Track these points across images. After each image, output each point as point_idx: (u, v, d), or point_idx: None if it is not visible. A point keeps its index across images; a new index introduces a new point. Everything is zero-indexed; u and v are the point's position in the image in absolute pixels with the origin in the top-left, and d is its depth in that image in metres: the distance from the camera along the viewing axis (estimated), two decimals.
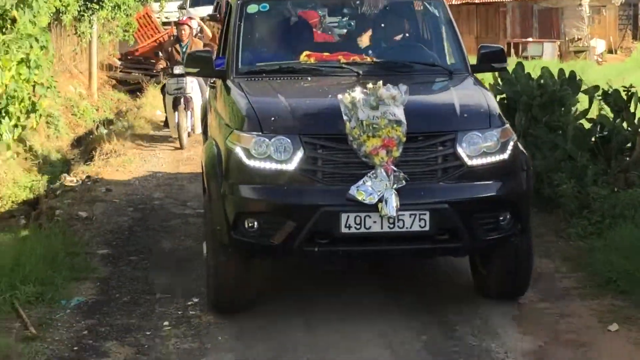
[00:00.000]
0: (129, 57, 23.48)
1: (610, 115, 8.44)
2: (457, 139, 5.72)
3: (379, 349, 5.62)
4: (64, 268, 6.93)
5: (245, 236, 5.67)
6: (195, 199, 9.27)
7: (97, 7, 16.78)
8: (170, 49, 13.25)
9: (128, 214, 8.97)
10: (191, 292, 6.63)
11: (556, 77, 9.22)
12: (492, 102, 6.12)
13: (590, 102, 9.00)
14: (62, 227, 7.98)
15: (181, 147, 12.54)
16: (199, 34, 14.64)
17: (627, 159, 8.18)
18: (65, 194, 9.79)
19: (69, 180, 10.54)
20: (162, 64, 13.42)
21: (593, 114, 8.79)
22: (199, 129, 12.26)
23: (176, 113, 12.60)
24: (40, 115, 7.43)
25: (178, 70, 12.19)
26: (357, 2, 7.29)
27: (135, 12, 21.93)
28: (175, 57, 12.93)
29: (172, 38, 13.94)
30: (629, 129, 8.27)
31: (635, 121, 8.27)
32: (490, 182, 5.78)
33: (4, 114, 6.39)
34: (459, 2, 34.43)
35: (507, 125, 6.01)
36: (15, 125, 6.71)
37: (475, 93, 6.30)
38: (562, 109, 9.03)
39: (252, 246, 5.73)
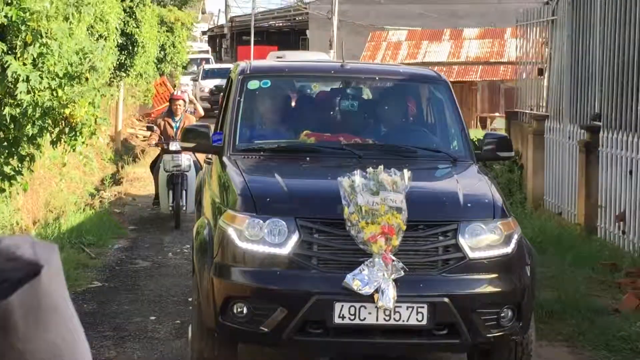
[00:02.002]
0: (147, 116, 28.19)
1: None
2: (460, 229, 5.45)
3: None
4: (110, 231, 11.31)
5: (233, 321, 5.42)
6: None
7: (124, 74, 21.12)
8: (163, 123, 12.68)
9: (146, 211, 13.36)
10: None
11: None
12: (496, 193, 5.84)
13: None
14: (107, 212, 12.43)
15: (177, 227, 11.87)
16: (190, 110, 14.59)
17: None
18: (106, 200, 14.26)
19: (106, 194, 14.98)
20: (154, 139, 12.86)
21: None
22: (192, 207, 11.27)
23: (171, 192, 12.03)
24: (97, 136, 11.85)
25: (174, 146, 11.70)
26: (360, 82, 7.30)
27: (153, 80, 26.50)
28: (168, 132, 12.43)
29: (164, 112, 13.58)
30: None
31: None
32: (492, 276, 5.50)
33: (78, 134, 10.81)
34: None
35: (512, 217, 5.77)
36: (84, 142, 11.14)
37: (480, 182, 6.09)
38: None
39: (240, 332, 5.49)
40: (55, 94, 10.45)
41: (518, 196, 12.80)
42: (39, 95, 10.43)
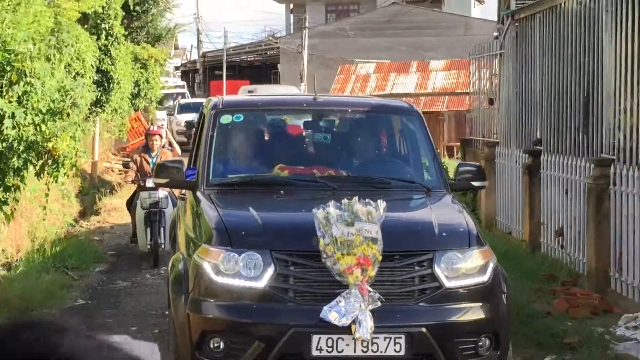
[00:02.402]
0: (122, 151, 28.98)
1: None
2: (435, 259, 5.47)
3: None
4: (91, 256, 12.12)
5: (210, 356, 5.42)
6: None
7: (100, 110, 21.89)
8: (139, 159, 12.32)
9: (124, 239, 14.17)
10: None
11: None
12: (471, 222, 5.88)
13: None
14: (87, 239, 13.24)
15: (155, 265, 11.50)
16: (168, 147, 14.12)
17: None
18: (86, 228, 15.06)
19: (85, 224, 15.77)
20: (130, 176, 12.48)
21: None
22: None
23: (148, 229, 11.71)
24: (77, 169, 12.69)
25: (151, 183, 10.95)
26: (333, 115, 7.27)
27: (128, 115, 27.30)
28: (145, 168, 12.06)
29: (140, 148, 13.22)
30: None
31: None
32: (469, 305, 5.51)
33: (60, 166, 11.65)
34: None
35: (487, 246, 5.79)
36: (65, 173, 11.98)
37: (454, 212, 6.11)
38: None
39: None
40: (38, 129, 11.32)
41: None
42: (23, 130, 11.26)
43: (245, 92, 32.82)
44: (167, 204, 11.71)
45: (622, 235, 8.76)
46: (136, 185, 12.36)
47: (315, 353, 5.28)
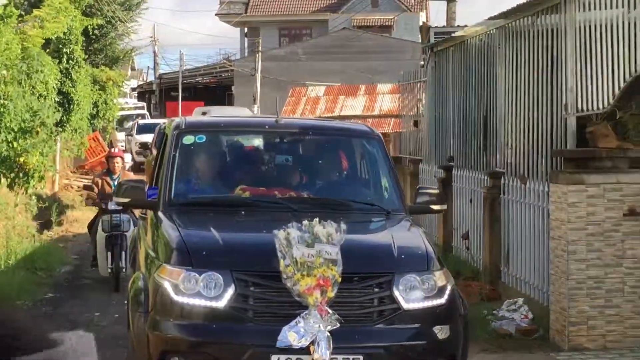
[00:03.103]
0: (80, 169, 30.41)
1: None
2: (394, 281, 5.55)
3: None
4: (56, 259, 13.60)
5: None
6: None
7: (61, 130, 23.25)
8: (100, 181, 12.13)
9: (86, 246, 15.67)
10: None
11: None
12: (429, 245, 5.97)
13: None
14: (53, 245, 14.74)
15: (116, 290, 11.18)
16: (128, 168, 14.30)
17: None
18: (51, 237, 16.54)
19: (50, 233, 17.24)
20: (92, 196, 12.18)
21: None
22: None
23: (109, 253, 11.49)
24: (44, 180, 14.20)
25: (113, 206, 11.07)
26: (294, 137, 7.26)
27: (87, 135, 28.67)
28: (107, 191, 11.73)
29: (102, 171, 13.20)
30: None
31: None
32: (427, 326, 5.60)
33: (30, 179, 13.15)
34: None
35: (445, 269, 5.89)
36: (34, 185, 13.47)
37: (413, 235, 6.18)
38: None
39: None
40: (11, 146, 12.88)
41: None
42: None
43: (199, 114, 34.31)
44: (129, 227, 11.46)
45: (509, 235, 10.48)
46: (98, 209, 12.16)
47: None
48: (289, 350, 5.32)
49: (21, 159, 13.19)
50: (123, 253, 11.43)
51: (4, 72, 13.09)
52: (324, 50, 49.34)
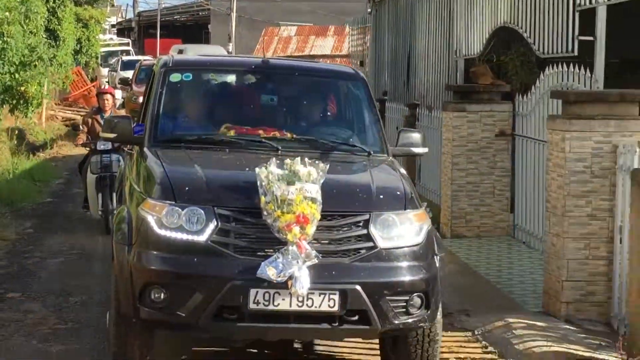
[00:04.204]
0: (64, 101, 32.80)
1: None
2: (371, 220, 5.65)
3: None
4: (51, 174, 16.04)
5: (151, 307, 5.56)
6: None
7: (49, 64, 25.53)
8: (90, 120, 11.71)
9: (75, 165, 18.06)
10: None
11: None
12: (408, 185, 6.06)
13: None
14: (46, 163, 17.22)
15: (108, 232, 10.47)
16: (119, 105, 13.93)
17: None
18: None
19: (42, 154, 19.67)
20: (81, 139, 11.74)
21: None
22: None
23: (100, 194, 11.18)
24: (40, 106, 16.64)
25: (103, 146, 11.02)
26: (281, 78, 7.36)
27: (71, 69, 30.90)
28: (97, 131, 11.13)
29: (93, 109, 12.58)
30: None
31: None
32: (402, 265, 5.70)
33: (29, 105, 15.60)
34: None
35: (423, 209, 5.95)
36: (33, 110, 15.93)
37: (392, 175, 6.29)
38: None
39: (158, 318, 5.61)
40: (13, 77, 15.28)
41: None
42: (2, 77, 15.24)
43: (176, 51, 36.32)
44: (118, 167, 10.85)
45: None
46: (88, 149, 11.72)
47: (252, 306, 5.45)
48: (267, 284, 5.42)
49: (22, 88, 15.62)
50: (113, 194, 10.70)
51: (7, 13, 15.44)
52: None
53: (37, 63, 15.82)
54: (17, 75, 15.31)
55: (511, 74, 11.50)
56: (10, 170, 15.75)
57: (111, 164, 11.12)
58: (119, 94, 24.44)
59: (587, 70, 8.37)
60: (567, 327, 7.22)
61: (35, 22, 19.51)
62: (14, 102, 15.77)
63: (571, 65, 8.77)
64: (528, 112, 10.10)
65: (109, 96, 11.87)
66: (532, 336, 6.90)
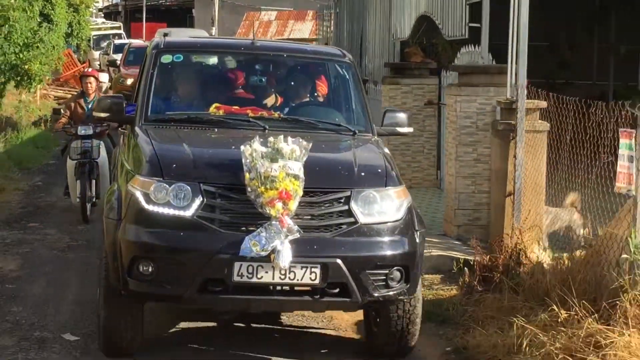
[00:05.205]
0: (56, 81, 35.06)
1: None
2: (353, 196, 5.80)
3: None
4: (52, 142, 18.27)
5: (139, 279, 5.71)
6: None
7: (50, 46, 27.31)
8: (73, 104, 11.38)
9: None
10: None
11: None
12: (389, 163, 6.22)
13: None
14: (47, 133, 19.50)
15: (85, 221, 10.65)
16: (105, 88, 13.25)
17: None
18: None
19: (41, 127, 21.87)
20: (62, 122, 11.33)
21: None
22: None
23: (79, 181, 10.73)
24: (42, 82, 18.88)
25: (84, 131, 10.69)
26: (269, 59, 7.50)
27: (62, 50, 32.97)
28: (79, 114, 11.10)
29: (78, 93, 12.15)
30: None
31: None
32: (382, 239, 5.85)
33: (32, 81, 17.84)
34: None
35: (403, 186, 6.11)
36: (35, 86, 18.16)
37: (374, 153, 6.43)
38: None
39: (146, 290, 5.77)
40: (18, 56, 17.51)
41: None
42: (8, 57, 17.45)
43: (161, 35, 38.06)
44: (99, 153, 10.80)
45: None
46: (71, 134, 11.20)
47: (236, 279, 5.63)
48: (251, 258, 5.59)
49: (26, 66, 17.88)
50: (93, 182, 10.80)
51: (13, 0, 17.67)
52: None
53: (38, 44, 18.08)
54: (21, 55, 17.56)
55: (441, 53, 13.83)
56: (16, 137, 18.04)
57: (91, 150, 10.77)
58: (104, 77, 25.41)
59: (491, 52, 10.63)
60: (457, 242, 9.56)
61: (32, 8, 21.66)
62: (19, 78, 18.05)
63: (477, 46, 11.08)
64: (449, 84, 12.45)
65: (92, 79, 11.51)
66: (430, 248, 9.17)
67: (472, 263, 8.05)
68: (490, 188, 9.51)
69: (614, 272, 5.85)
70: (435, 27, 13.15)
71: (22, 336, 6.68)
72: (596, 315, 5.63)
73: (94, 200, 10.89)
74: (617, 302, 5.56)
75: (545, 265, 7.23)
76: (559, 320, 5.84)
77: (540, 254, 7.71)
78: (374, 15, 15.47)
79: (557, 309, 5.92)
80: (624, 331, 5.28)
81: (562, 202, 8.75)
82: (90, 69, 14.27)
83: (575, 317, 5.72)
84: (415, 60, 13.25)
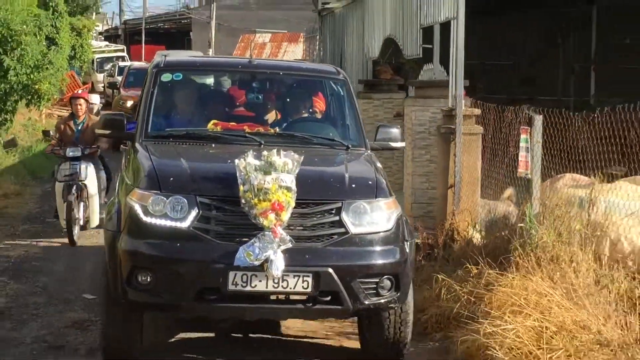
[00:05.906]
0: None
1: None
2: (344, 207, 5.97)
3: None
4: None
5: (138, 289, 5.88)
6: None
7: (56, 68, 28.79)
8: (62, 126, 11.37)
9: None
10: None
11: None
12: (380, 176, 6.40)
13: None
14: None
15: (71, 244, 10.65)
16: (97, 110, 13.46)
17: None
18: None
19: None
20: (52, 144, 11.44)
21: None
22: (95, 222, 10.95)
23: (66, 204, 10.65)
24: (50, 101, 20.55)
25: (72, 152, 10.72)
26: (266, 77, 7.75)
27: (66, 72, 34.60)
28: (69, 136, 11.15)
29: (68, 115, 11.98)
30: None
31: None
32: (372, 249, 6.03)
33: (42, 100, 19.52)
34: None
35: (393, 198, 6.29)
36: (44, 104, 19.84)
37: (365, 166, 6.62)
38: None
39: (144, 300, 5.94)
40: (29, 77, 19.19)
41: None
42: (20, 78, 19.13)
43: (161, 56, 39.36)
44: (86, 175, 10.75)
45: None
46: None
47: (231, 287, 5.80)
48: (245, 267, 5.77)
49: (36, 86, 19.59)
50: (82, 204, 10.79)
51: (24, 26, 19.38)
52: (272, 0, 54.86)
53: (47, 66, 19.79)
54: (32, 76, 19.27)
55: (409, 71, 15.54)
56: (29, 151, 19.73)
57: (79, 172, 10.71)
58: (95, 98, 26.68)
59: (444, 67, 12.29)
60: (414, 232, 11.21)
61: (41, 32, 23.31)
62: (30, 97, 19.76)
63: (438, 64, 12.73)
64: (408, 97, 14.13)
65: (82, 101, 11.50)
66: None
67: (419, 244, 9.67)
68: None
69: (513, 238, 7.53)
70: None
71: (51, 295, 8.50)
72: (497, 269, 7.27)
73: (82, 223, 10.90)
74: (511, 257, 7.23)
75: (474, 240, 8.90)
76: (472, 275, 7.48)
77: (473, 234, 9.37)
78: (351, 38, 17.21)
79: (469, 267, 7.57)
80: (511, 276, 6.93)
81: (500, 196, 10.41)
82: (80, 91, 14.47)
83: (482, 271, 7.36)
84: (385, 77, 14.93)
